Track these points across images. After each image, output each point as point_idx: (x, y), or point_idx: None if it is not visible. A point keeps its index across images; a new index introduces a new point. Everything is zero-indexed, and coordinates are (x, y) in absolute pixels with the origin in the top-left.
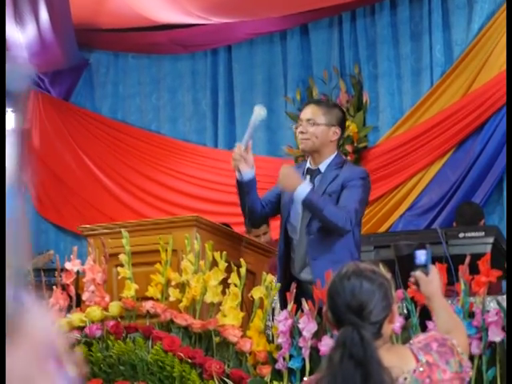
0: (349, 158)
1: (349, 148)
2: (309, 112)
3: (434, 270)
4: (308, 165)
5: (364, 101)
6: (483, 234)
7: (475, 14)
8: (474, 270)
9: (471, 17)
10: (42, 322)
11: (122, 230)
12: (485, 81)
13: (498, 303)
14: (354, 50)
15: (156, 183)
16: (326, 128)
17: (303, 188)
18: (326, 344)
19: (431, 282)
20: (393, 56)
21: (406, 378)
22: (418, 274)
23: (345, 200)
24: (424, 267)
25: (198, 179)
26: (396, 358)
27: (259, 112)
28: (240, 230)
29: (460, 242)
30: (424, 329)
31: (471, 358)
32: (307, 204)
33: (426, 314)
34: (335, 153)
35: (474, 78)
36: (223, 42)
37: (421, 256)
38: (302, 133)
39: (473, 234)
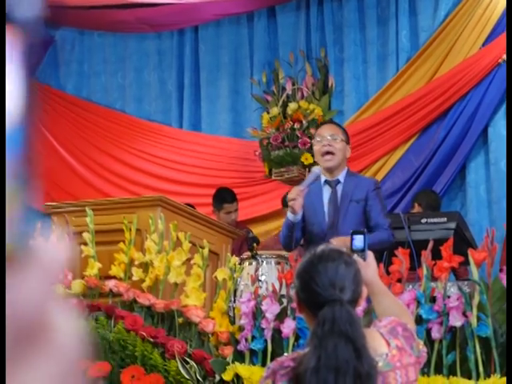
0: (313, 141)
1: (313, 131)
2: (329, 128)
3: (370, 255)
4: (324, 178)
5: (330, 85)
6: (445, 219)
7: (442, 0)
8: (436, 255)
9: (438, 3)
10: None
11: (87, 208)
12: (450, 67)
13: (460, 288)
14: (321, 34)
15: (121, 163)
16: (346, 145)
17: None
18: (289, 326)
19: (368, 266)
20: (359, 40)
21: (377, 362)
22: (355, 258)
23: (377, 216)
24: (361, 252)
25: (163, 159)
26: (369, 341)
27: (318, 169)
28: (204, 210)
29: (422, 228)
30: None
31: (432, 342)
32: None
33: None
34: (346, 168)
35: (440, 64)
36: (190, 23)
37: (358, 241)
38: (327, 148)
39: (435, 220)
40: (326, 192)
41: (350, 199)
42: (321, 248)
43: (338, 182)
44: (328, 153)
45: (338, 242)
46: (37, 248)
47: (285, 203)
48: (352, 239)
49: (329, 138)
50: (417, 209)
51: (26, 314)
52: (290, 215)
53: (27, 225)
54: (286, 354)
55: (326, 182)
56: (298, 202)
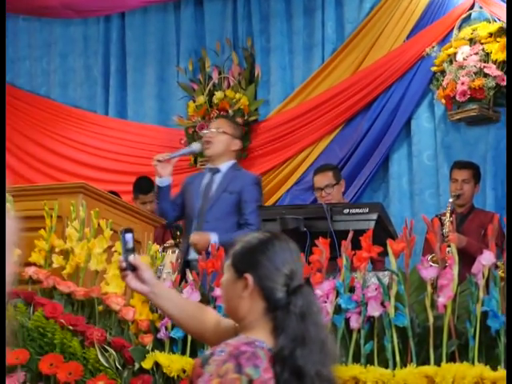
0: None
1: (239, 121)
2: (218, 122)
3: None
4: (208, 165)
5: (256, 74)
6: (367, 210)
7: None
8: (357, 245)
9: None
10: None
11: (7, 194)
12: (374, 59)
13: (379, 279)
14: (248, 23)
15: (44, 148)
16: (230, 138)
17: (213, 239)
18: None
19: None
20: (286, 30)
21: None
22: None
23: (247, 214)
24: (132, 251)
25: (87, 146)
26: None
27: (195, 145)
28: (128, 198)
29: (344, 218)
30: None
31: (350, 331)
32: (222, 244)
33: None
34: (234, 161)
35: (364, 56)
36: (117, 9)
37: (130, 240)
38: (206, 138)
39: (357, 211)
40: (205, 179)
41: (224, 189)
42: (265, 232)
43: (218, 170)
44: (207, 142)
45: (195, 237)
46: None
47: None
48: (124, 238)
49: (213, 130)
50: None
51: None
52: (156, 179)
53: None
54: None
55: (209, 169)
56: (163, 166)
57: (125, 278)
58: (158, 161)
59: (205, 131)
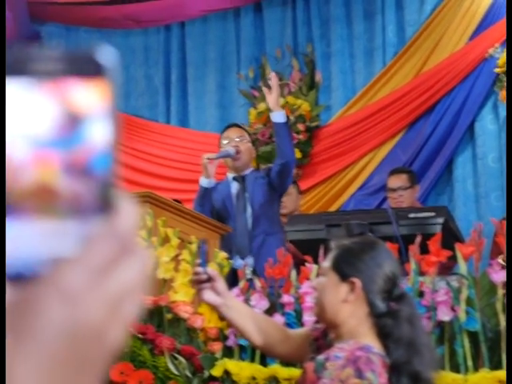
0: (301, 136)
1: (301, 127)
2: (236, 131)
3: None
4: (232, 175)
5: (317, 79)
6: (433, 214)
7: None
8: (424, 249)
9: None
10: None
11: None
12: (436, 62)
13: (448, 283)
14: (308, 29)
15: None
16: (251, 146)
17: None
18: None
19: None
20: (346, 35)
21: None
22: None
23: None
24: (207, 263)
25: (149, 155)
26: None
27: (231, 149)
28: (190, 206)
29: (410, 222)
30: None
31: None
32: (282, 126)
33: None
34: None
35: (426, 59)
36: (176, 18)
37: (205, 251)
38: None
39: (423, 215)
40: (234, 188)
41: (255, 180)
42: (364, 237)
43: (244, 178)
44: (237, 152)
45: None
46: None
47: None
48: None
49: (237, 139)
50: None
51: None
52: (203, 180)
53: None
54: None
55: (234, 178)
56: (211, 166)
57: (202, 291)
58: (209, 159)
59: (224, 141)
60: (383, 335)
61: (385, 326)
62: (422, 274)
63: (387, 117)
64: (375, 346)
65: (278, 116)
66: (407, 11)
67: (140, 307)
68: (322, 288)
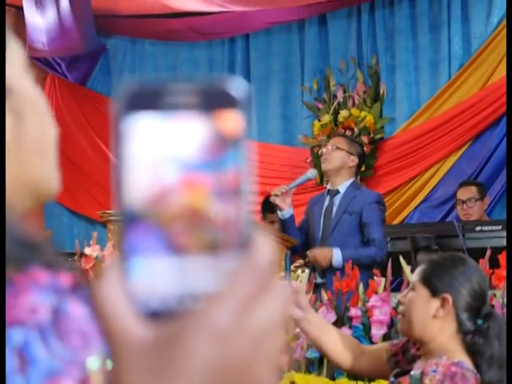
0: (365, 148)
1: (365, 139)
2: (335, 140)
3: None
4: (327, 187)
5: (381, 92)
6: (500, 227)
7: (495, 7)
8: (492, 263)
9: (491, 10)
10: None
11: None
12: (503, 74)
13: None
14: (372, 41)
15: None
16: (347, 155)
17: (336, 253)
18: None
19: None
20: (411, 47)
21: None
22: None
23: (369, 231)
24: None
25: None
26: None
27: (311, 172)
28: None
29: (476, 236)
30: None
31: None
32: (346, 259)
33: None
34: (353, 179)
35: (493, 71)
36: (241, 31)
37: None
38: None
39: (490, 228)
40: (326, 201)
41: (345, 210)
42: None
43: (338, 192)
44: (324, 159)
45: (315, 251)
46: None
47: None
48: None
49: (329, 147)
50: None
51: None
52: (278, 213)
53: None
54: None
55: (328, 191)
56: (282, 199)
57: None
58: (276, 195)
59: (323, 150)
60: (474, 353)
61: (475, 343)
62: (491, 288)
63: (452, 129)
64: (467, 362)
65: None
66: (473, 23)
67: (281, 343)
68: (411, 303)
